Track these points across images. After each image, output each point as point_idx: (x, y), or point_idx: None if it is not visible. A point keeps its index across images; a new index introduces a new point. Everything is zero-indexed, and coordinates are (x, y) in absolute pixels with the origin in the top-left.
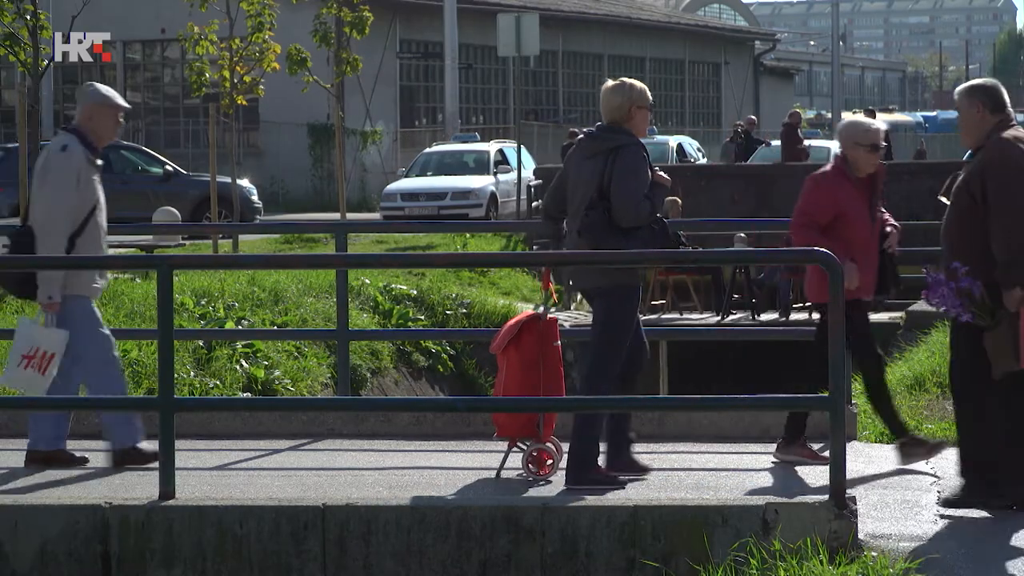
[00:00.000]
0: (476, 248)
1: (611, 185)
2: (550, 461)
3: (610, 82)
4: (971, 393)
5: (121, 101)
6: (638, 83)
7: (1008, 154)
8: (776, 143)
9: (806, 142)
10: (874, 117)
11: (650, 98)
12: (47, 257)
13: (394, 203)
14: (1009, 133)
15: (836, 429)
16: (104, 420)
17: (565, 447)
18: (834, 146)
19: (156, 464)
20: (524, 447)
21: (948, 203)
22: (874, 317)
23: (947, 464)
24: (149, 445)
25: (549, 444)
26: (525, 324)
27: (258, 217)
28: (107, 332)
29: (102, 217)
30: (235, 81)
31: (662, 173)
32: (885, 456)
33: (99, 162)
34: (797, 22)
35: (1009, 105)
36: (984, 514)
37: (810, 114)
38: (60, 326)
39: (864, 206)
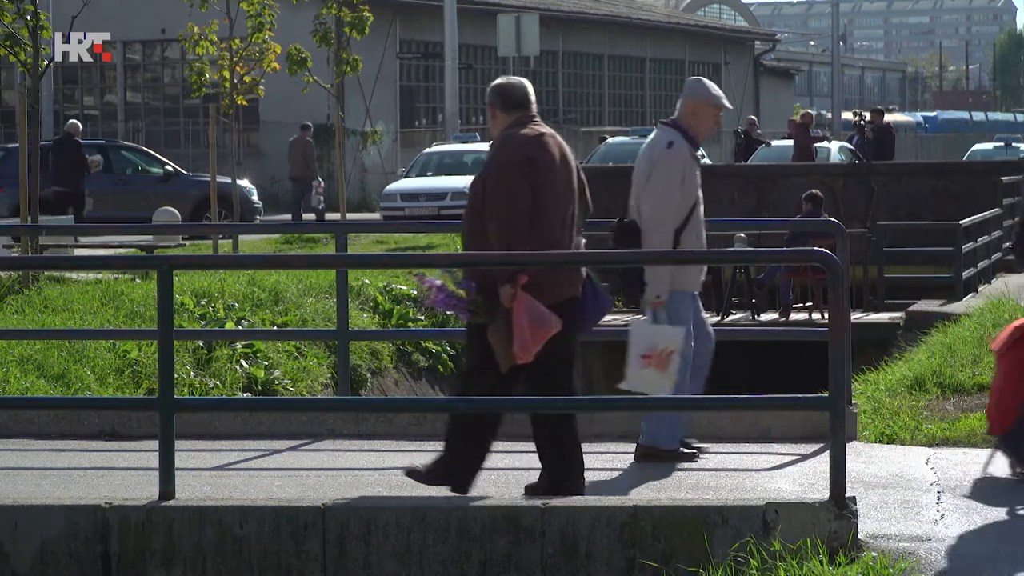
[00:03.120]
0: None
1: None
2: None
3: None
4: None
5: (725, 101)
6: None
7: (505, 153)
8: (776, 143)
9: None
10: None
11: None
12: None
13: (394, 203)
14: (524, 130)
15: (836, 429)
16: (644, 417)
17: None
18: (835, 146)
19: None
20: None
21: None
22: (874, 317)
23: (947, 464)
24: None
25: None
26: None
27: (258, 217)
28: (708, 330)
29: (701, 210)
30: (235, 81)
31: None
32: (885, 456)
33: (699, 155)
34: (797, 22)
35: (529, 102)
36: (979, 514)
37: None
38: (669, 322)
39: None
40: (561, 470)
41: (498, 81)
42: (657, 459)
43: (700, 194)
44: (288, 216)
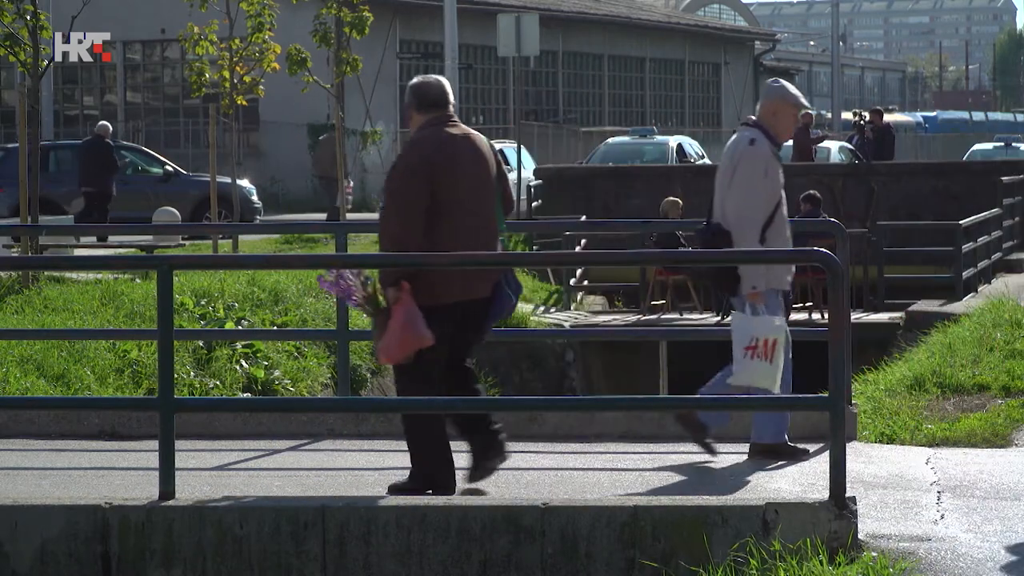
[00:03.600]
0: None
1: None
2: None
3: None
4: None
5: (804, 102)
6: None
7: (404, 156)
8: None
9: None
10: (861, 118)
11: None
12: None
13: None
14: (432, 132)
15: (836, 429)
16: (755, 416)
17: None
18: (835, 146)
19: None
20: None
21: None
22: (874, 317)
23: (947, 464)
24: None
25: None
26: None
27: (258, 217)
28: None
29: (785, 210)
30: (235, 81)
31: None
32: (885, 456)
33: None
34: (797, 22)
35: (446, 101)
36: (979, 514)
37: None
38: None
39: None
40: (428, 467)
41: (414, 81)
42: (769, 454)
43: (783, 194)
44: (302, 216)
